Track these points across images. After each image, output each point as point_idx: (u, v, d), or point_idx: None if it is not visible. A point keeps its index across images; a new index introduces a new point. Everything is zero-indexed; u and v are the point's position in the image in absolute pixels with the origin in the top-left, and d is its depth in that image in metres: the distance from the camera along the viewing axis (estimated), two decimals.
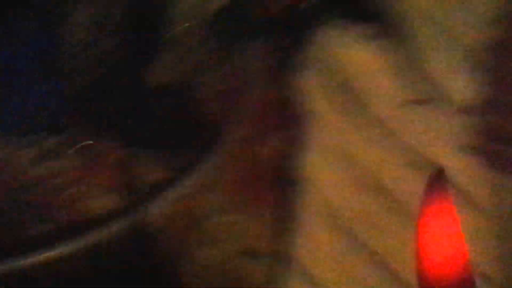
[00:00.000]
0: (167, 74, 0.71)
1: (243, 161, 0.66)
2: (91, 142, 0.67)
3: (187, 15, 0.71)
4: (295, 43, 0.68)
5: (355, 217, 0.57)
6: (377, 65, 0.63)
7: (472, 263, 0.40)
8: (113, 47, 0.69)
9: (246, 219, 0.63)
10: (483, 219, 0.55)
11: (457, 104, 0.58)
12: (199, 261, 0.62)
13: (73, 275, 0.61)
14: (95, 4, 0.70)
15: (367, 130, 0.61)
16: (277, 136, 0.67)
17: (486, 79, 0.58)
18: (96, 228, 0.62)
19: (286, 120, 0.67)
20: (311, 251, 0.58)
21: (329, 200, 0.59)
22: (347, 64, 0.64)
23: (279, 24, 0.70)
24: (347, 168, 0.61)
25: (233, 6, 0.70)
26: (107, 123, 0.68)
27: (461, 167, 0.55)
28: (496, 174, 0.56)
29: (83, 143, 0.67)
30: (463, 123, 0.56)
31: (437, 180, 0.47)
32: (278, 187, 0.64)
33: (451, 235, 0.45)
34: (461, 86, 0.58)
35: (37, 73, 0.67)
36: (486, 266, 0.54)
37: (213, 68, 0.71)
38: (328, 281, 0.56)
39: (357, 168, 0.60)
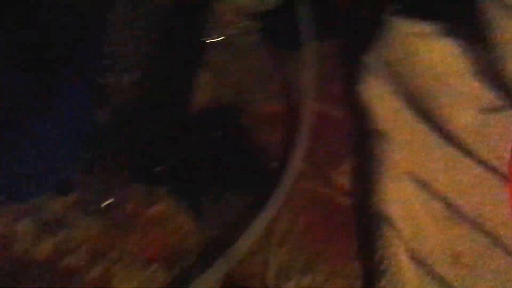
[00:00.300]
0: (206, 95, 0.60)
1: (314, 202, 0.55)
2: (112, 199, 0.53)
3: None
4: (357, 44, 0.61)
5: (442, 258, 0.51)
6: (457, 65, 0.59)
7: None
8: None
9: (328, 280, 0.51)
10: None
11: None
12: None
13: None
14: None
15: (441, 149, 0.56)
16: (347, 165, 0.57)
17: None
18: None
19: (354, 144, 0.58)
20: None
21: (410, 240, 0.52)
22: (422, 66, 0.59)
23: (342, 23, 0.63)
24: (422, 197, 0.54)
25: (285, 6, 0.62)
26: (137, 169, 0.54)
27: None
28: None
29: (103, 202, 0.52)
30: None
31: None
32: (358, 230, 0.53)
33: None
34: None
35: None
36: None
37: (260, 84, 0.62)
38: None
39: (433, 196, 0.54)
